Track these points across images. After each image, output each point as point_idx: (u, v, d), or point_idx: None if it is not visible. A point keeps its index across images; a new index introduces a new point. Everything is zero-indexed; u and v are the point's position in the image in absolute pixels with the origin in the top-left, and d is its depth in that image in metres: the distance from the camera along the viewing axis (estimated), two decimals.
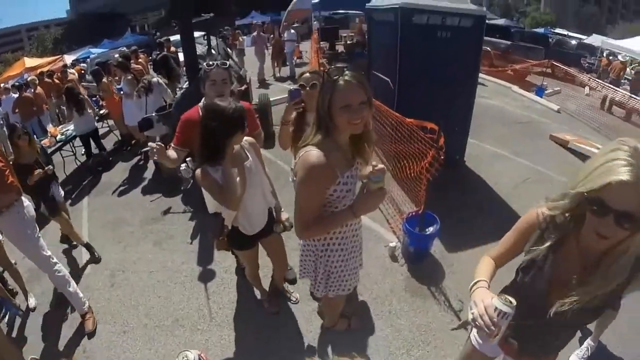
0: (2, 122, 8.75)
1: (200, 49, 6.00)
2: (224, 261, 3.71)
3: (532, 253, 1.32)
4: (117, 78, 6.60)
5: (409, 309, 3.10)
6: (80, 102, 5.97)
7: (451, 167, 4.65)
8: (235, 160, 2.16)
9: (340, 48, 12.87)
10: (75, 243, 4.15)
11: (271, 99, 6.67)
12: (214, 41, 6.77)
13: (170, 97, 5.51)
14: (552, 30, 31.48)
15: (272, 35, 14.03)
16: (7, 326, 3.25)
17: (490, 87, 10.64)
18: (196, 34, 5.01)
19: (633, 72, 12.12)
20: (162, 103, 5.38)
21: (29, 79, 9.80)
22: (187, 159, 2.79)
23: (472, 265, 3.57)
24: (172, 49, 9.60)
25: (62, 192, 4.02)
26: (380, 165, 1.60)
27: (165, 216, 4.69)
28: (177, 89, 5.91)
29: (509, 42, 14.84)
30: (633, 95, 9.22)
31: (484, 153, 5.97)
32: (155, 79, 5.57)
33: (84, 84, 10.23)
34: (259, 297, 3.20)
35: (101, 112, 7.38)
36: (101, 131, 7.18)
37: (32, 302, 3.49)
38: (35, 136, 4.70)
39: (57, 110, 10.38)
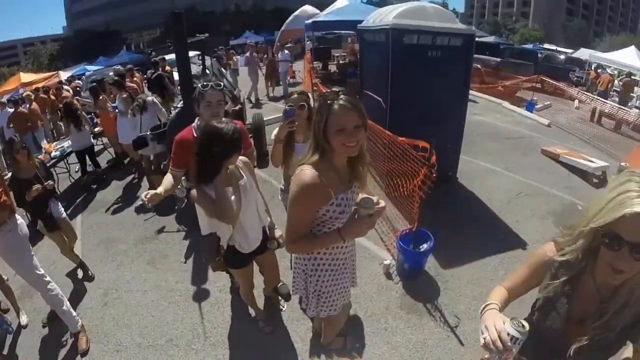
0: None
1: (195, 69, 6.06)
2: (218, 280, 3.69)
3: (547, 293, 1.29)
4: (112, 96, 6.63)
5: (405, 326, 3.10)
6: (78, 117, 6.02)
7: (444, 184, 4.70)
8: (230, 179, 2.19)
9: (332, 68, 13.06)
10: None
11: (265, 119, 6.72)
12: (208, 61, 6.85)
13: (165, 116, 5.54)
14: (541, 45, 32.22)
15: (265, 55, 14.20)
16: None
17: (481, 104, 10.82)
18: (191, 53, 5.07)
19: (621, 83, 12.42)
20: (157, 122, 5.41)
21: (24, 95, 9.83)
22: (182, 178, 2.81)
23: (467, 281, 3.64)
24: (167, 68, 9.67)
25: (62, 209, 3.90)
26: (381, 203, 1.68)
27: (159, 235, 4.67)
28: (172, 108, 5.95)
29: (498, 59, 15.11)
30: (621, 107, 9.42)
31: (477, 169, 6.04)
32: (150, 98, 5.61)
33: (78, 99, 10.26)
34: (253, 316, 3.17)
35: (96, 129, 7.39)
36: (95, 149, 7.18)
37: (23, 319, 3.44)
38: None
39: (51, 127, 10.40)
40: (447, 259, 3.79)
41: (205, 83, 2.62)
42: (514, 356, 1.10)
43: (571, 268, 1.22)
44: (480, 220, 4.60)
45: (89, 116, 7.32)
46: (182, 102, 5.01)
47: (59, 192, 5.74)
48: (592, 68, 15.09)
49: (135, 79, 9.26)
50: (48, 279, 3.05)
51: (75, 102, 6.76)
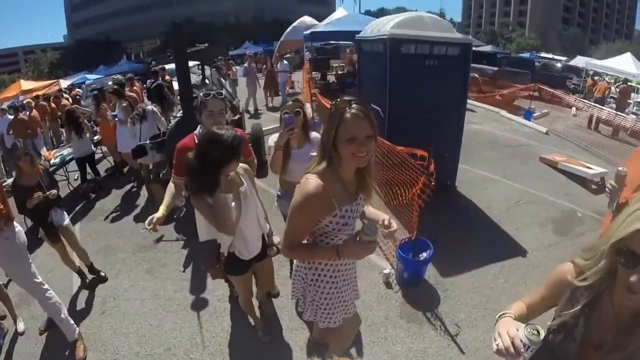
0: None
1: (195, 79, 6.10)
2: (217, 290, 3.68)
3: (563, 317, 1.23)
4: (112, 104, 6.66)
5: (405, 335, 3.08)
6: (80, 125, 6.06)
7: (443, 192, 4.71)
8: (230, 186, 2.20)
9: (331, 78, 13.15)
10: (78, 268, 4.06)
11: (264, 129, 6.74)
12: (207, 71, 6.90)
13: (164, 125, 5.56)
14: (537, 54, 32.50)
15: (264, 66, 14.30)
16: None
17: (479, 113, 10.89)
18: (190, 63, 5.11)
19: (617, 90, 12.51)
20: (156, 131, 5.42)
21: (24, 102, 9.88)
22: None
23: (467, 289, 3.63)
24: (167, 77, 9.72)
25: (66, 217, 3.81)
26: (393, 226, 1.70)
27: (158, 244, 4.65)
28: (171, 118, 5.97)
29: (495, 68, 15.24)
30: (619, 113, 9.49)
31: (475, 177, 6.06)
32: (149, 107, 5.63)
33: (77, 107, 10.30)
34: (252, 325, 3.15)
35: (95, 137, 7.41)
36: (95, 157, 7.18)
37: (21, 326, 3.41)
38: None
39: (51, 134, 10.43)
40: (447, 268, 3.78)
41: (207, 92, 2.64)
42: None
43: (591, 291, 1.16)
44: (480, 229, 4.61)
45: (89, 124, 7.34)
46: (181, 111, 5.04)
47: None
48: (589, 75, 15.22)
49: (135, 88, 9.30)
50: (46, 286, 3.04)
51: (77, 109, 6.80)
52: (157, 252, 4.50)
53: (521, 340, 1.06)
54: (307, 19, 14.84)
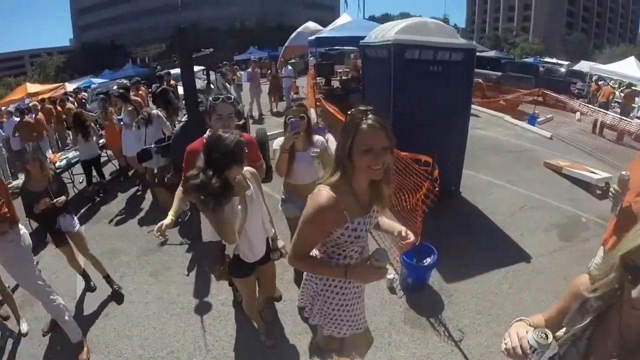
0: (1, 145, 8.89)
1: (200, 84, 6.15)
2: (221, 294, 3.68)
3: (569, 328, 1.19)
4: (117, 108, 6.71)
5: (409, 341, 3.07)
6: (87, 128, 6.13)
7: (447, 198, 4.70)
8: (237, 189, 2.21)
9: (335, 83, 13.17)
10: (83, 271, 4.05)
11: (268, 133, 6.77)
12: (212, 76, 6.95)
13: (169, 129, 5.61)
14: (541, 59, 32.48)
15: (269, 71, 14.37)
16: None
17: (483, 118, 10.88)
18: (195, 68, 5.15)
19: (622, 94, 12.46)
20: (161, 135, 5.48)
21: (31, 105, 9.96)
22: None
23: (472, 295, 3.62)
24: (172, 82, 9.79)
25: (76, 223, 3.71)
26: (410, 237, 1.68)
27: (162, 247, 4.66)
28: (176, 122, 6.02)
29: (499, 73, 15.22)
30: (623, 117, 9.45)
31: (480, 183, 6.05)
32: (155, 112, 5.69)
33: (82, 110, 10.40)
34: (255, 329, 3.15)
35: (101, 141, 7.47)
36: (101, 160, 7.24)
37: (24, 327, 3.43)
38: None
39: (56, 137, 10.51)
40: (451, 273, 3.77)
41: (216, 96, 2.69)
42: None
43: (601, 304, 1.11)
44: (484, 234, 4.59)
45: (95, 127, 7.39)
46: (186, 116, 5.08)
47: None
48: (593, 80, 15.17)
49: (140, 92, 9.38)
50: (50, 288, 3.06)
51: (84, 112, 6.86)
52: (161, 256, 4.51)
53: (529, 342, 1.07)
54: (311, 25, 14.92)
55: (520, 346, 1.07)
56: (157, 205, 5.71)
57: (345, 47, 16.18)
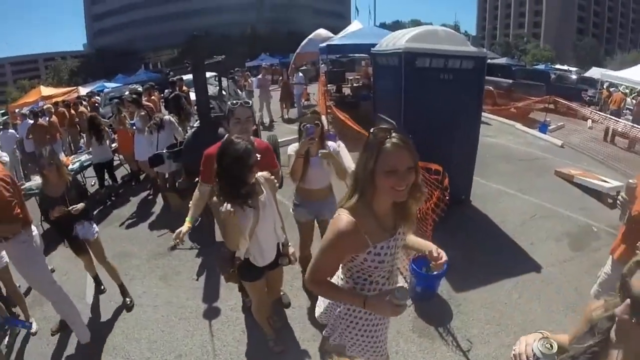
0: (15, 147, 9.07)
1: (212, 90, 6.22)
2: (230, 299, 3.70)
3: (574, 346, 1.17)
4: (129, 112, 6.81)
5: (417, 350, 3.06)
6: (101, 132, 6.24)
7: (457, 206, 4.67)
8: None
9: (346, 91, 13.20)
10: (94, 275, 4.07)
11: (279, 140, 6.81)
12: (224, 82, 7.03)
13: (181, 135, 5.67)
14: (552, 66, 32.23)
15: (280, 78, 14.47)
16: (6, 348, 3.25)
17: (494, 126, 10.81)
18: (207, 74, 5.22)
19: (634, 101, 12.27)
20: (173, 141, 5.54)
21: (44, 107, 10.14)
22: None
23: (481, 304, 3.59)
24: (184, 88, 9.90)
25: (95, 231, 3.61)
26: (442, 257, 1.62)
27: (173, 252, 4.68)
28: (188, 128, 6.09)
29: (510, 81, 15.11)
30: (635, 125, 9.31)
31: (490, 191, 6.01)
32: (167, 117, 5.77)
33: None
34: (264, 335, 3.15)
35: (113, 145, 7.58)
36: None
37: (33, 327, 3.48)
38: None
39: (69, 140, 10.69)
40: (460, 282, 3.75)
41: (235, 101, 2.80)
42: None
43: (607, 327, 1.09)
44: (494, 243, 4.56)
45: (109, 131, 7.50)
46: (198, 121, 5.14)
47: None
48: (604, 87, 14.99)
49: (153, 97, 9.49)
50: (60, 289, 3.10)
51: (99, 116, 6.97)
52: (171, 260, 4.55)
53: (533, 351, 1.09)
54: (322, 32, 15.00)
55: (526, 353, 1.08)
56: (168, 210, 5.77)
57: (356, 55, 16.24)
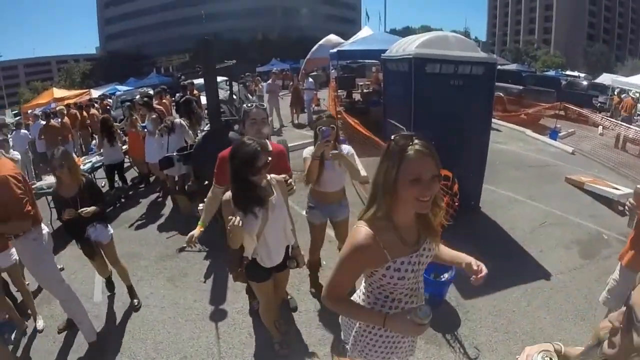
0: (28, 147, 9.23)
1: (222, 94, 6.27)
2: (237, 302, 3.71)
3: None
4: (140, 115, 6.89)
5: (423, 357, 3.03)
6: (113, 133, 6.34)
7: (466, 213, 4.64)
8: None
9: (357, 96, 13.22)
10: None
11: (289, 145, 6.83)
12: (235, 87, 7.09)
13: (192, 138, 5.73)
14: (563, 72, 31.98)
15: (291, 83, 14.54)
16: (12, 345, 3.28)
17: (504, 132, 10.75)
18: (218, 79, 5.27)
19: None
20: (183, 144, 5.59)
21: (57, 109, 10.32)
22: (205, 200, 2.90)
23: (489, 312, 3.56)
24: (195, 92, 10.00)
25: (109, 233, 3.54)
26: (483, 270, 1.60)
27: (181, 254, 4.73)
28: (198, 132, 6.14)
29: (521, 87, 15.04)
30: None
31: (500, 198, 5.97)
32: (178, 120, 5.83)
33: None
34: (270, 339, 3.14)
35: (124, 147, 7.68)
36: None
37: (40, 324, 3.52)
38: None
39: (80, 142, 10.84)
40: (469, 289, 3.71)
41: (250, 103, 2.87)
42: None
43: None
44: (503, 250, 4.51)
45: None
46: (208, 125, 5.19)
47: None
48: (615, 93, 14.85)
49: (164, 101, 9.60)
50: (68, 288, 3.14)
51: (111, 118, 7.07)
52: (179, 262, 4.58)
53: None
54: (333, 38, 15.07)
55: None
56: (177, 212, 5.82)
57: (366, 60, 16.27)
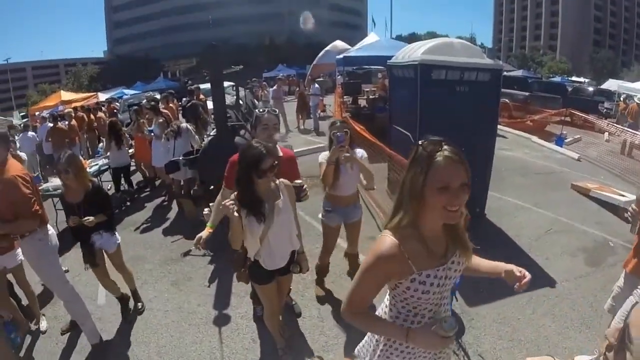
0: (35, 149, 9.32)
1: (229, 99, 6.31)
2: (240, 306, 3.71)
3: None
4: (147, 118, 6.94)
5: None
6: (121, 137, 6.39)
7: (472, 220, 4.62)
8: (267, 197, 2.32)
9: (362, 102, 13.25)
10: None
11: (295, 151, 6.85)
12: (242, 92, 7.13)
13: (198, 143, 5.76)
14: (569, 78, 31.87)
15: (297, 89, 14.61)
16: (16, 345, 3.29)
17: (510, 139, 10.72)
18: (225, 84, 5.31)
19: None
20: (190, 148, 5.63)
21: (65, 111, 10.42)
22: (210, 204, 2.92)
23: (493, 320, 3.54)
24: (202, 97, 10.07)
25: (115, 242, 3.45)
26: (526, 276, 1.52)
27: (185, 258, 4.74)
28: (205, 136, 6.17)
29: (527, 93, 14.98)
30: None
31: (505, 205, 5.94)
32: (184, 125, 5.88)
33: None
34: (273, 345, 3.12)
35: (130, 151, 7.73)
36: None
37: (43, 325, 3.55)
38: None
39: (87, 145, 10.94)
40: (473, 297, 3.69)
41: (262, 108, 2.93)
42: None
43: None
44: (509, 258, 4.40)
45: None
46: (214, 130, 5.22)
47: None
48: (621, 99, 14.73)
49: (170, 105, 9.67)
50: (72, 289, 3.16)
51: (119, 122, 7.13)
52: (183, 266, 4.59)
53: None
54: (339, 44, 15.15)
55: None
56: (182, 216, 5.84)
57: (372, 67, 16.31)
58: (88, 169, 6.59)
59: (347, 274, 4.09)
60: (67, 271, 3.96)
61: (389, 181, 6.06)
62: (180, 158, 5.25)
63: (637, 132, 9.57)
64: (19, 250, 3.23)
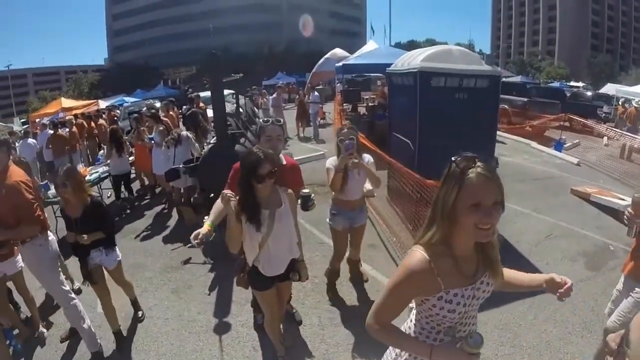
0: (35, 156, 9.34)
1: (229, 107, 6.33)
2: (241, 315, 3.70)
3: None
4: (147, 126, 6.95)
5: None
6: (122, 144, 6.40)
7: None
8: (268, 203, 2.34)
9: (362, 110, 13.30)
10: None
11: (295, 158, 6.86)
12: (241, 100, 7.14)
13: (198, 151, 5.77)
14: (567, 83, 31.99)
15: (297, 96, 14.67)
16: (16, 352, 3.28)
17: (509, 145, 10.77)
18: (225, 92, 5.33)
19: None
20: (190, 156, 5.63)
21: (66, 118, 10.45)
22: None
23: (494, 326, 3.54)
24: (202, 105, 10.10)
25: (116, 259, 3.32)
26: (567, 283, 1.49)
27: (185, 266, 4.73)
28: (205, 144, 6.19)
29: (525, 99, 15.04)
30: None
31: (505, 211, 5.92)
32: (184, 133, 5.89)
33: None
34: (274, 353, 3.11)
35: (130, 158, 7.74)
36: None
37: (43, 332, 3.52)
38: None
39: (87, 152, 10.95)
40: None
41: (266, 119, 2.94)
42: None
43: None
44: (509, 264, 4.43)
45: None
46: (214, 138, 5.23)
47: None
48: (620, 103, 14.79)
49: (171, 113, 9.69)
50: (72, 295, 3.17)
51: (120, 129, 7.15)
52: (183, 274, 4.57)
53: None
54: (338, 51, 15.21)
55: None
56: (182, 224, 5.84)
57: (371, 74, 16.38)
58: (88, 177, 6.62)
59: (349, 280, 4.09)
60: (79, 292, 4.02)
61: (389, 188, 6.07)
62: (181, 166, 5.26)
63: (636, 136, 9.63)
64: (19, 257, 3.23)
